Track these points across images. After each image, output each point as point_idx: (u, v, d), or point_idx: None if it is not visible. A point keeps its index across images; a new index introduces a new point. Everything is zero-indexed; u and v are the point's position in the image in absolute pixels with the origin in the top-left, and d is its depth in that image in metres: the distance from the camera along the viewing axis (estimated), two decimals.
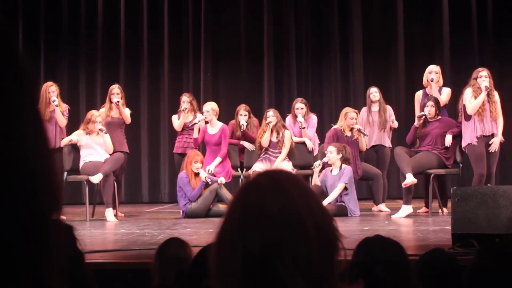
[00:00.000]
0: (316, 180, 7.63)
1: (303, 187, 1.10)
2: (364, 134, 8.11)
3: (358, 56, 10.92)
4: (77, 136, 7.76)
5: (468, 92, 7.29)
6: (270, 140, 8.19)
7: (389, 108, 8.49)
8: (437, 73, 7.94)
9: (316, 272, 1.04)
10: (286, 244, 1.03)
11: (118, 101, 7.98)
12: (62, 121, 7.88)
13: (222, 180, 7.66)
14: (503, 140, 7.47)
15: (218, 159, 8.02)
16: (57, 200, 0.75)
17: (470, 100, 7.24)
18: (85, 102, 10.97)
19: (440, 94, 7.90)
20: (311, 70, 11.11)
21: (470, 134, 7.27)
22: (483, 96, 7.16)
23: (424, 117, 7.65)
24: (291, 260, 1.02)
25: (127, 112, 8.13)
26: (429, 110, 7.62)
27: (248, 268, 1.02)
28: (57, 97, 7.86)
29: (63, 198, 0.80)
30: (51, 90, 7.83)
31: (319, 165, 7.63)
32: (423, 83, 8.05)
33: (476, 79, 7.31)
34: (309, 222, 1.05)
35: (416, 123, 7.75)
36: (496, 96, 7.33)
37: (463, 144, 7.36)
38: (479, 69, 7.48)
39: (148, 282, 2.81)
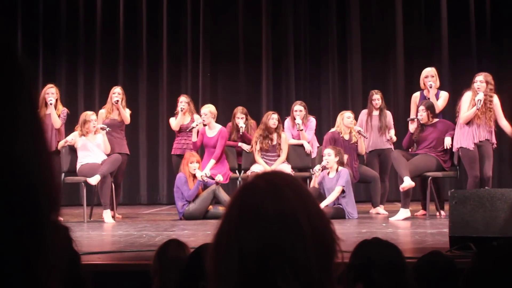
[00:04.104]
0: (314, 183, 7.63)
1: (300, 189, 1.10)
2: (364, 137, 8.10)
3: (357, 59, 10.92)
4: (73, 137, 7.75)
5: (467, 97, 7.23)
6: (269, 144, 8.19)
7: (388, 114, 8.46)
8: (433, 76, 7.90)
9: (313, 275, 1.03)
10: (283, 246, 1.02)
11: (117, 101, 7.99)
12: (57, 122, 7.81)
13: (219, 177, 7.66)
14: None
15: (212, 162, 8.01)
16: (55, 201, 0.75)
17: (468, 106, 7.19)
18: (83, 103, 10.96)
19: (438, 98, 7.86)
20: (309, 73, 11.11)
21: (466, 138, 7.22)
22: (474, 110, 7.09)
23: (416, 120, 7.62)
24: (287, 262, 1.02)
25: (126, 112, 8.13)
26: (421, 114, 7.60)
27: (244, 270, 1.02)
28: (55, 99, 7.85)
29: (61, 199, 0.80)
30: (50, 92, 7.83)
31: (319, 169, 7.60)
32: (421, 86, 8.02)
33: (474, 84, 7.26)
34: (306, 224, 1.04)
35: (410, 129, 7.70)
36: (495, 101, 7.21)
37: (456, 145, 7.31)
38: (477, 74, 7.42)
39: (145, 284, 2.81)
